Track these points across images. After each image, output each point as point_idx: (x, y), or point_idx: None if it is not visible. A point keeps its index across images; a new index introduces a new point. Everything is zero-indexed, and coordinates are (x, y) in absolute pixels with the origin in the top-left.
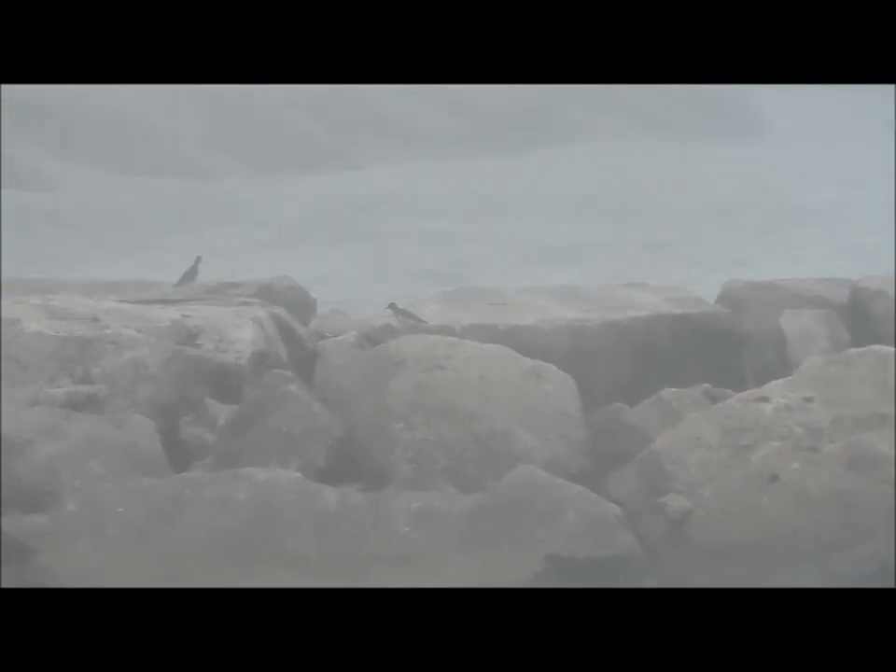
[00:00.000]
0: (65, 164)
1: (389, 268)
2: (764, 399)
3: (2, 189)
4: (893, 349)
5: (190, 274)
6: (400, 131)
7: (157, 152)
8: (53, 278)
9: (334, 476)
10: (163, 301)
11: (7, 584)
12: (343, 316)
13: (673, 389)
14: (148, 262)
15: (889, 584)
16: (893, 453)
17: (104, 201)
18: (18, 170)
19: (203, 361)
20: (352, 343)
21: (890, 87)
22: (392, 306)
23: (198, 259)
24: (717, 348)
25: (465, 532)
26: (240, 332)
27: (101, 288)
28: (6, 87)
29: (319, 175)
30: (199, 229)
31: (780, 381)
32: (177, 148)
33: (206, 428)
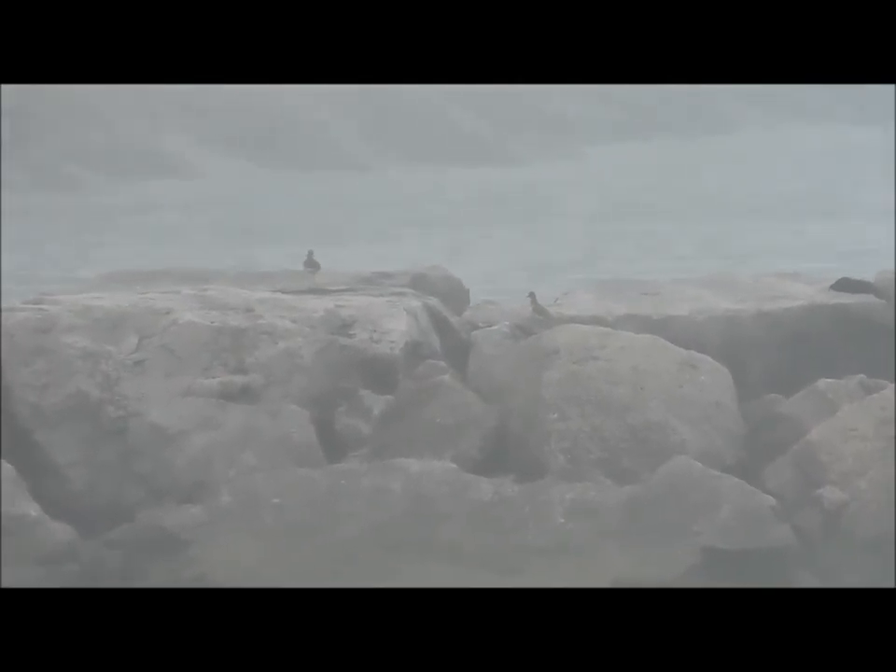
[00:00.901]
0: (215, 157)
1: (549, 258)
2: None
3: (152, 180)
4: None
5: (310, 265)
6: (558, 125)
7: (310, 146)
8: (205, 268)
9: (488, 467)
10: (317, 291)
11: (160, 576)
12: (496, 307)
13: (828, 380)
14: (302, 253)
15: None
16: None
17: (257, 192)
18: (168, 160)
19: (357, 351)
20: (505, 334)
21: None
22: (531, 296)
23: (310, 253)
24: (872, 339)
25: (620, 523)
26: (394, 322)
27: (254, 278)
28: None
29: (478, 168)
30: (353, 217)
31: None
32: (329, 142)
33: (361, 419)
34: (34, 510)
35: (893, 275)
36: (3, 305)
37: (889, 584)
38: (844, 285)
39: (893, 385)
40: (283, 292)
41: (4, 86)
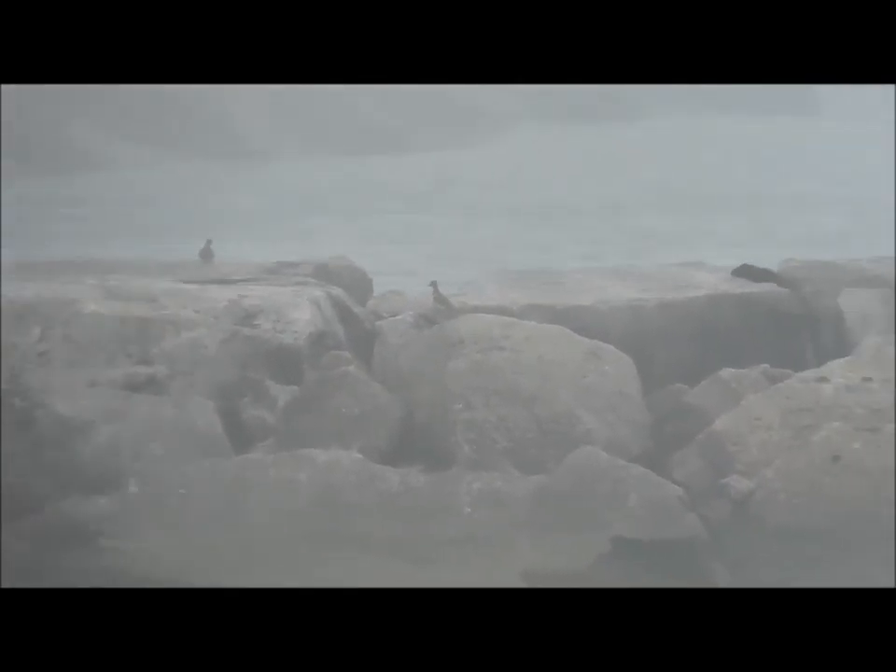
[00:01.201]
0: (122, 149)
1: (459, 248)
2: (824, 380)
3: (58, 173)
4: None
5: (205, 254)
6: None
7: (215, 137)
8: (108, 258)
9: (395, 457)
10: (220, 282)
11: (70, 567)
12: (400, 296)
13: (732, 370)
14: (202, 243)
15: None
16: None
17: (160, 181)
18: (76, 151)
19: (262, 342)
20: (409, 324)
21: None
22: (433, 284)
23: (208, 242)
24: (775, 328)
25: (528, 513)
26: (298, 312)
27: (157, 269)
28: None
29: (386, 158)
30: (259, 207)
31: (840, 361)
32: (236, 132)
33: (266, 410)
34: None
35: (798, 265)
36: None
37: (802, 573)
38: (745, 271)
39: (796, 374)
40: (186, 282)
41: None
